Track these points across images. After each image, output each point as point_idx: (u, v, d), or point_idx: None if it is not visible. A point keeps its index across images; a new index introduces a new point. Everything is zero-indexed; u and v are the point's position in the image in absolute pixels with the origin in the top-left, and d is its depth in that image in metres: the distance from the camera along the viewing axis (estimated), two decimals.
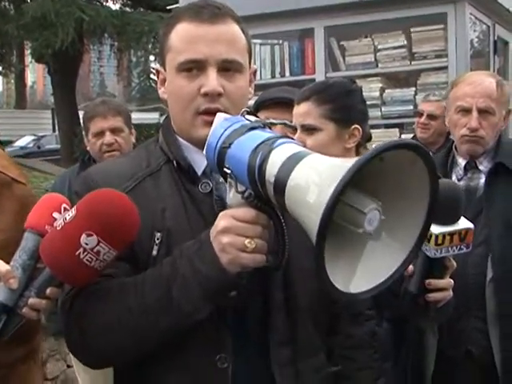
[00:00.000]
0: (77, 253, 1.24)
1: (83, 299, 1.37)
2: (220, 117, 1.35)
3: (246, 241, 1.24)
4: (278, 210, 1.27)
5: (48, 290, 1.30)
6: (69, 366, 4.23)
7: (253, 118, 1.33)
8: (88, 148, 3.20)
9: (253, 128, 1.26)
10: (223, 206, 1.37)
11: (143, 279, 1.36)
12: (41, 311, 1.34)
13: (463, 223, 1.64)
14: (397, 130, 4.75)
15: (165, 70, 1.53)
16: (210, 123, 1.35)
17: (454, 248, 1.62)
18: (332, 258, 1.07)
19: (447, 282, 1.66)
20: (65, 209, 1.34)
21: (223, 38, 1.44)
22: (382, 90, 4.81)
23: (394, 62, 4.81)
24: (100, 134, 3.08)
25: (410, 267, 1.58)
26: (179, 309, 1.31)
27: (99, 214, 1.25)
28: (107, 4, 19.71)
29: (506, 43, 5.76)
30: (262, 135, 1.23)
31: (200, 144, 1.41)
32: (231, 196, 1.29)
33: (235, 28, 1.49)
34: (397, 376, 2.56)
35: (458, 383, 2.54)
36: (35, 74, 59.48)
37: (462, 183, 2.59)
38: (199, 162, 1.49)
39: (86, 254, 1.24)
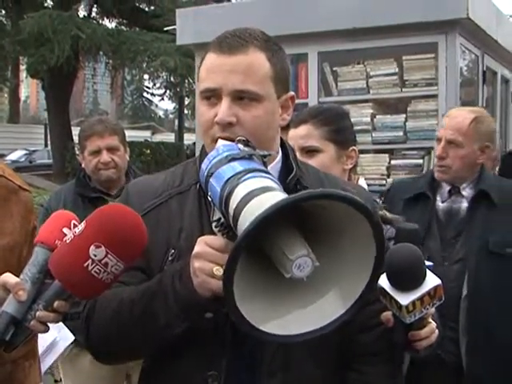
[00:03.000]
0: (85, 264, 1.26)
1: (92, 304, 1.47)
2: (219, 143, 1.38)
3: (215, 268, 1.26)
4: None
5: (56, 304, 1.32)
6: (56, 381, 4.20)
7: (244, 148, 1.33)
8: (83, 165, 3.19)
9: (233, 159, 1.28)
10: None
11: (138, 290, 1.43)
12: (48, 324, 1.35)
13: (430, 282, 1.58)
14: (387, 155, 4.76)
15: None
16: None
17: (428, 306, 1.58)
18: (259, 292, 1.10)
19: (429, 329, 1.64)
20: (74, 225, 1.36)
21: (238, 69, 1.44)
22: (373, 116, 4.83)
23: (386, 88, 4.84)
24: (97, 152, 3.07)
25: (392, 320, 1.60)
26: (157, 321, 1.37)
27: (108, 226, 1.27)
28: (104, 22, 19.85)
29: (495, 73, 5.81)
30: (236, 167, 1.24)
31: None
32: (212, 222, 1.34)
33: (256, 57, 1.47)
34: None
35: (428, 381, 2.68)
36: (29, 89, 59.41)
37: (445, 204, 2.84)
38: None
39: (94, 265, 1.26)
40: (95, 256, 1.26)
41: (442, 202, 2.85)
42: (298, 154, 2.24)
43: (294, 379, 1.46)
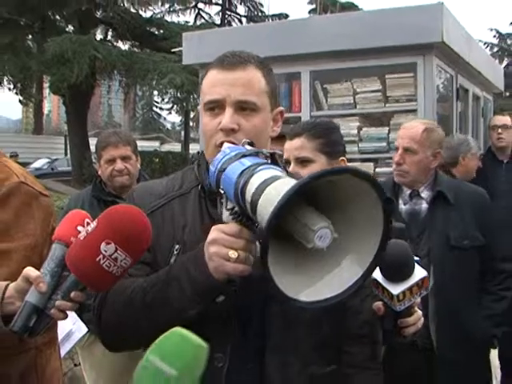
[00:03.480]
0: (97, 259, 1.26)
1: (103, 295, 1.44)
2: (225, 146, 1.39)
3: (230, 252, 1.25)
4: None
5: (72, 294, 1.32)
6: (75, 365, 4.17)
7: (251, 148, 1.35)
8: (99, 172, 3.20)
9: (244, 155, 1.29)
10: None
11: (148, 280, 1.41)
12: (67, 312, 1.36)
13: (418, 274, 1.61)
14: (371, 163, 4.73)
15: None
16: None
17: (416, 296, 1.60)
18: (284, 267, 1.09)
19: (416, 316, 1.64)
20: (87, 223, 1.37)
21: (239, 82, 1.48)
22: (360, 129, 4.81)
23: (371, 103, 4.82)
24: (111, 161, 3.09)
25: (382, 309, 1.60)
26: (172, 306, 1.35)
27: (117, 224, 1.28)
28: (118, 44, 19.89)
29: (466, 91, 5.82)
30: (248, 162, 1.26)
31: None
32: (223, 212, 1.32)
33: (254, 74, 1.51)
34: None
35: (404, 366, 2.73)
36: (51, 104, 59.50)
37: (407, 206, 2.92)
38: None
39: (105, 260, 1.26)
40: (106, 252, 1.26)
41: (404, 204, 2.91)
42: (292, 164, 2.24)
43: (297, 360, 1.44)
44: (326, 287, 1.15)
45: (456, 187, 2.93)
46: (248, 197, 1.17)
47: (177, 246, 1.47)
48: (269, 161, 1.31)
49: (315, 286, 1.14)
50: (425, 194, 2.88)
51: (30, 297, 1.35)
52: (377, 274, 1.56)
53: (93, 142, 3.21)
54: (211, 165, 1.35)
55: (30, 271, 1.36)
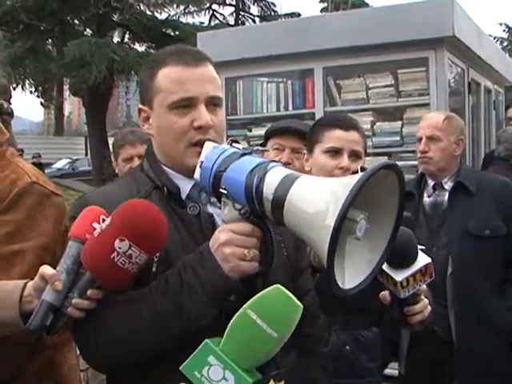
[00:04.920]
0: (111, 256, 1.23)
1: (97, 313, 1.31)
2: (209, 145, 1.34)
3: (245, 251, 1.24)
4: (270, 224, 1.28)
5: (88, 292, 1.28)
6: None
7: (240, 146, 1.32)
8: (117, 171, 3.21)
9: (244, 154, 1.27)
10: (212, 224, 1.40)
11: (151, 291, 1.32)
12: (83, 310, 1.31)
13: (422, 260, 1.60)
14: (385, 158, 4.68)
15: (150, 108, 1.50)
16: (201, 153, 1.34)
17: (420, 283, 1.60)
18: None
19: (422, 304, 1.65)
20: (103, 219, 1.32)
21: (207, 78, 1.45)
22: (373, 123, 4.77)
23: (383, 98, 4.78)
24: (129, 159, 3.09)
25: (389, 298, 1.64)
26: (188, 314, 1.28)
27: (130, 221, 1.24)
28: (135, 46, 19.93)
29: (478, 84, 5.75)
30: (254, 160, 1.24)
31: (189, 171, 1.39)
32: (226, 213, 1.28)
33: (212, 69, 1.49)
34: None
35: (425, 354, 2.80)
36: (71, 106, 59.82)
37: (430, 199, 2.90)
38: (184, 187, 1.46)
39: (119, 257, 1.23)
40: (120, 249, 1.23)
41: (428, 197, 2.90)
42: (345, 155, 2.09)
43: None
44: (359, 270, 1.16)
45: (477, 177, 2.90)
46: (267, 194, 1.16)
47: (157, 254, 1.36)
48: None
49: (349, 273, 1.15)
50: (448, 185, 2.87)
51: (47, 295, 1.31)
52: None
53: (112, 142, 3.22)
54: (204, 163, 1.30)
55: (46, 269, 1.33)
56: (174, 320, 1.28)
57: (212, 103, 1.44)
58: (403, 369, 2.90)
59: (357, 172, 1.98)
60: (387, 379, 2.62)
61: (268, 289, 1.16)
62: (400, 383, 2.93)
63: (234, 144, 1.32)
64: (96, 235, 1.27)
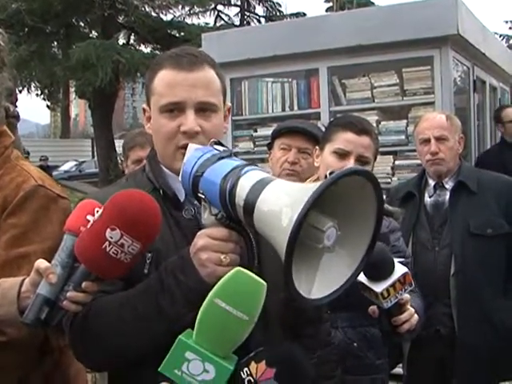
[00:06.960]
0: (103, 246, 1.22)
1: (82, 316, 1.34)
2: (191, 147, 1.34)
3: (222, 256, 1.23)
4: (247, 227, 1.26)
5: (83, 284, 1.28)
6: None
7: (221, 148, 1.31)
8: (126, 172, 3.20)
9: (222, 157, 1.26)
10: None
11: (134, 292, 1.34)
12: (79, 304, 1.31)
13: (399, 270, 1.66)
14: (391, 156, 4.72)
15: (150, 109, 1.52)
16: None
17: (401, 292, 1.65)
18: (296, 270, 1.05)
19: (408, 313, 1.70)
20: (97, 211, 1.31)
21: (199, 83, 1.44)
22: (378, 122, 4.77)
23: (388, 97, 4.79)
24: (138, 161, 3.07)
25: (377, 311, 1.71)
26: (167, 316, 1.29)
27: (121, 209, 1.23)
28: (140, 48, 19.97)
29: (484, 82, 5.75)
30: (230, 163, 1.22)
31: (179, 174, 1.38)
32: (205, 217, 1.28)
33: (211, 73, 1.48)
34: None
35: (428, 355, 2.77)
36: (78, 108, 60.00)
37: (432, 199, 2.88)
38: (182, 189, 1.45)
39: (111, 247, 1.22)
40: (111, 238, 1.22)
41: (429, 197, 2.88)
42: (352, 159, 2.10)
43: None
44: (330, 281, 1.13)
45: (478, 176, 2.88)
46: (239, 199, 1.14)
47: (149, 255, 1.38)
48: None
49: (320, 282, 1.13)
50: (449, 184, 2.85)
51: (42, 289, 1.29)
52: (361, 277, 1.59)
53: (118, 144, 3.24)
54: (185, 166, 1.30)
55: (40, 263, 1.32)
56: (155, 321, 1.30)
57: (202, 108, 1.44)
58: (405, 369, 2.90)
59: None
60: (393, 378, 2.63)
61: (229, 273, 1.16)
62: (403, 383, 2.95)
63: (215, 146, 1.32)
64: (88, 227, 1.26)
